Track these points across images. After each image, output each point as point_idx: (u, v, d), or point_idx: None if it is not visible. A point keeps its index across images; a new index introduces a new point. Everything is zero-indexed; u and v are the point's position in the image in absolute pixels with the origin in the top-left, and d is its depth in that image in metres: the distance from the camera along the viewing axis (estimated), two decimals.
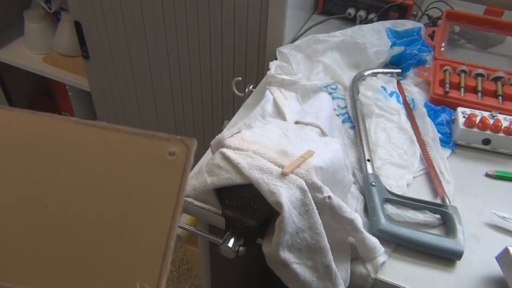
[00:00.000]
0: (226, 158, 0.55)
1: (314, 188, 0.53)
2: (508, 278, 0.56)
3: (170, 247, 0.21)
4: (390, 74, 0.86)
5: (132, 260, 0.21)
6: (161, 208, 0.21)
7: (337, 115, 0.78)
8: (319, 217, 0.52)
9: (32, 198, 0.20)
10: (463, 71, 0.84)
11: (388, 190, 0.63)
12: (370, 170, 0.66)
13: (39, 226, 0.20)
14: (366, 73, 0.84)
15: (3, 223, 0.20)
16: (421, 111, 0.78)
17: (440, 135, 0.74)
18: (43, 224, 0.20)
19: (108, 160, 0.21)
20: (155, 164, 0.21)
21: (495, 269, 0.56)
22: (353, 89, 0.80)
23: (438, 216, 0.62)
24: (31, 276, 0.20)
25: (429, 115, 0.78)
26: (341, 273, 0.55)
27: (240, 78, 0.86)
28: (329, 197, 0.53)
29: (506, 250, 0.57)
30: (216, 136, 0.61)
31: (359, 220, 0.55)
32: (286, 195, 0.51)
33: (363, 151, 0.69)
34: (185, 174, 0.22)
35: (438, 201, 0.65)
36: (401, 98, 0.81)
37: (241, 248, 0.54)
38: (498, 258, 0.58)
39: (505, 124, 0.73)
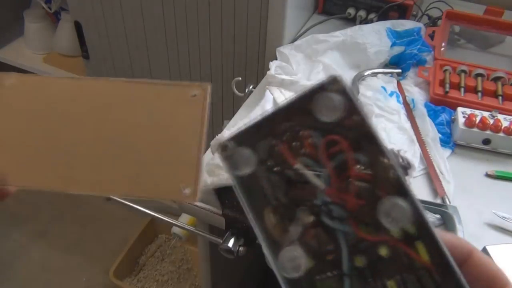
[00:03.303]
0: None
1: None
2: None
3: (201, 158, 0.31)
4: (390, 74, 0.86)
5: (174, 170, 0.30)
6: (191, 131, 0.31)
7: None
8: None
9: (96, 134, 0.32)
10: (463, 71, 0.84)
11: None
12: None
13: (104, 151, 0.31)
14: (366, 73, 0.84)
15: (79, 149, 0.31)
16: (421, 111, 0.78)
17: (440, 135, 0.74)
18: (106, 150, 0.31)
19: (149, 104, 0.32)
20: (183, 103, 0.31)
21: None
22: (353, 89, 0.80)
23: (438, 216, 0.62)
24: (104, 185, 0.31)
25: (429, 115, 0.78)
26: None
27: (240, 78, 0.86)
28: None
29: (484, 250, 0.57)
30: (216, 136, 0.61)
31: None
32: None
33: None
34: (205, 108, 0.31)
35: (438, 201, 0.65)
36: (401, 98, 0.81)
37: (241, 248, 0.54)
38: None
39: (505, 124, 0.73)
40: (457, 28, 1.01)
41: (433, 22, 1.01)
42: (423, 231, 0.23)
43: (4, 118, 0.33)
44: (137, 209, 0.66)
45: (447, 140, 0.75)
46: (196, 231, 0.65)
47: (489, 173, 0.70)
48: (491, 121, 0.73)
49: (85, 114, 0.32)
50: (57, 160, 0.32)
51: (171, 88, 0.32)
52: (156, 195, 0.30)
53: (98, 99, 0.32)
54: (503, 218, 0.62)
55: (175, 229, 1.40)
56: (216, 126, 1.22)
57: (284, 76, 0.78)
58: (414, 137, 0.73)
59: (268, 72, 0.80)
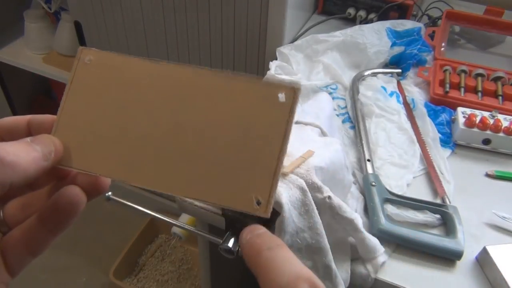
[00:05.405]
0: None
1: (314, 188, 0.53)
2: (489, 277, 0.56)
3: (279, 168, 0.27)
4: (390, 74, 0.86)
5: (249, 177, 0.28)
6: (273, 136, 0.28)
7: (337, 115, 0.78)
8: (319, 217, 0.52)
9: (170, 125, 0.29)
10: (463, 71, 0.84)
11: (388, 190, 0.63)
12: (370, 170, 0.66)
13: (176, 145, 0.29)
14: (366, 73, 0.84)
15: (150, 139, 0.29)
16: (421, 111, 0.78)
17: (440, 135, 0.74)
18: (179, 144, 0.29)
19: (232, 100, 0.29)
20: (270, 103, 0.28)
21: None
22: (353, 89, 0.80)
23: (438, 216, 0.62)
24: (170, 182, 0.29)
25: (429, 115, 0.78)
26: (341, 273, 0.55)
27: None
28: (329, 197, 0.53)
29: (484, 249, 0.57)
30: None
31: (359, 220, 0.55)
32: (286, 195, 0.51)
33: (363, 151, 0.69)
34: (292, 111, 0.28)
35: (438, 201, 0.65)
36: (401, 98, 0.81)
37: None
38: (478, 258, 0.58)
39: (505, 124, 0.73)
40: (457, 28, 1.01)
41: (433, 22, 1.01)
42: None
43: (77, 95, 0.31)
44: (137, 209, 0.66)
45: (447, 140, 0.75)
46: (196, 231, 0.64)
47: (489, 173, 0.70)
48: (491, 121, 0.73)
49: (163, 102, 0.30)
50: (125, 147, 0.30)
51: (258, 85, 0.29)
52: (224, 202, 0.28)
53: (178, 88, 0.30)
54: (503, 218, 0.62)
55: (175, 229, 1.40)
56: None
57: (284, 76, 0.78)
58: (414, 137, 0.73)
59: (268, 72, 0.80)
